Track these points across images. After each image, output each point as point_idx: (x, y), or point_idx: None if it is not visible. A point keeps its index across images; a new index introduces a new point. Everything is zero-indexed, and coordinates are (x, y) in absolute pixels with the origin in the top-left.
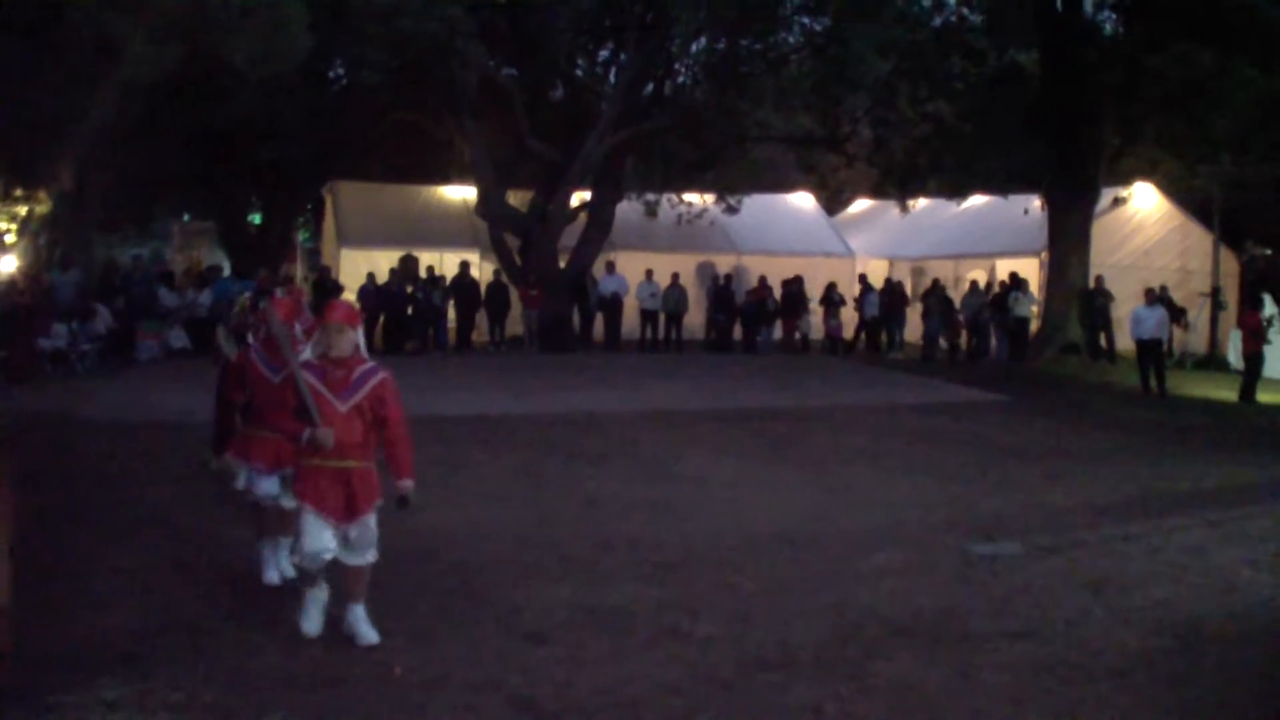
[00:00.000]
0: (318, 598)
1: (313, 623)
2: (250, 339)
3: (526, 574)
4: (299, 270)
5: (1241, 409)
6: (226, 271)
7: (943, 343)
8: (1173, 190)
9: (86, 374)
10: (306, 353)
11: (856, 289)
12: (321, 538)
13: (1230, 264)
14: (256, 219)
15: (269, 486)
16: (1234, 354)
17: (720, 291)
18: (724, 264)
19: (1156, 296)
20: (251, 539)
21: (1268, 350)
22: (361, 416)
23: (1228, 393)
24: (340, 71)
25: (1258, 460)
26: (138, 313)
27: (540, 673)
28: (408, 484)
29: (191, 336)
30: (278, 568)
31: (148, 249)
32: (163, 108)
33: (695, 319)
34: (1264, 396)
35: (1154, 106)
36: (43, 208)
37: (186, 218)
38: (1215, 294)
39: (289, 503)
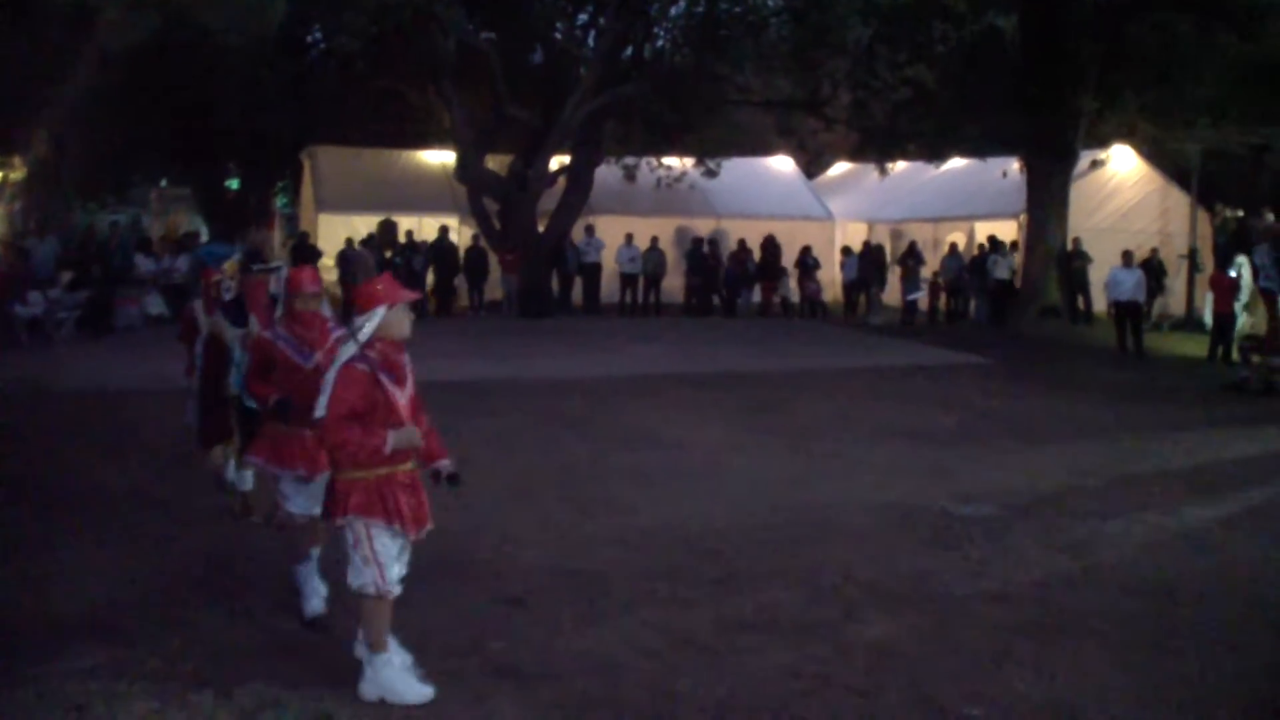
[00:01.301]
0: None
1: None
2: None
3: (506, 538)
4: (277, 236)
5: (1215, 368)
6: (205, 237)
7: (922, 305)
8: (1151, 154)
9: (64, 342)
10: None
11: (839, 256)
12: (404, 559)
13: (1207, 227)
14: (234, 184)
15: (304, 503)
16: (1209, 315)
17: (699, 255)
18: (703, 228)
19: (1135, 259)
20: (227, 511)
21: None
22: (414, 404)
23: (1202, 352)
24: (319, 37)
25: (1232, 419)
26: (115, 280)
27: (519, 637)
28: (449, 462)
29: (169, 303)
30: (320, 593)
31: (125, 215)
32: (140, 75)
33: (674, 283)
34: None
35: (1133, 73)
36: (18, 175)
37: (164, 183)
38: (1193, 256)
39: (316, 510)
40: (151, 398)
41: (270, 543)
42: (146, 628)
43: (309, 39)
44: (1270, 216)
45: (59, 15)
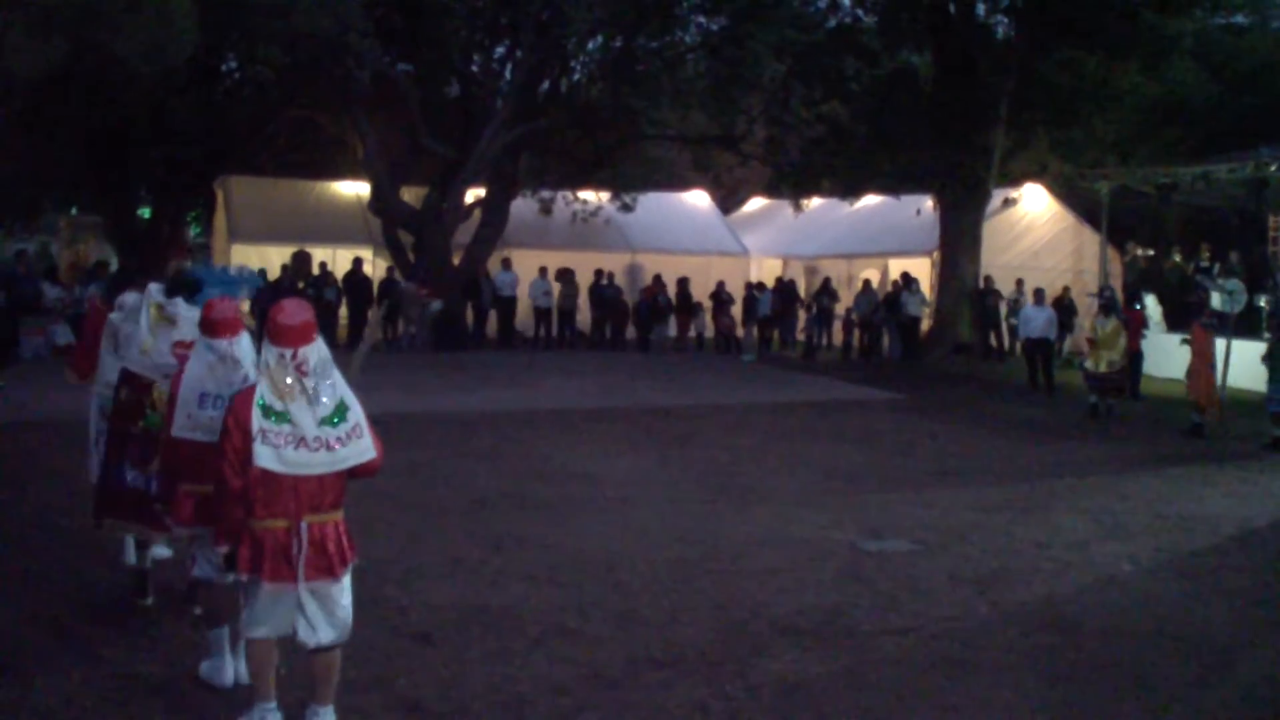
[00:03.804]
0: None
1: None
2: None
3: (414, 573)
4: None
5: (1125, 405)
6: (114, 266)
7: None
8: (1062, 192)
9: None
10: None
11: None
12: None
13: (1118, 265)
14: (146, 213)
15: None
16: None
17: (599, 289)
18: (619, 262)
19: (1047, 297)
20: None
21: (1145, 346)
22: None
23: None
24: (233, 66)
25: (1141, 455)
26: (21, 308)
27: (427, 673)
28: None
29: (76, 332)
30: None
31: (34, 243)
32: (48, 101)
33: (589, 317)
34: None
35: (1043, 111)
36: None
37: (74, 211)
38: (1102, 294)
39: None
40: (56, 429)
41: (174, 574)
42: (46, 662)
43: (223, 68)
44: (1177, 256)
45: None
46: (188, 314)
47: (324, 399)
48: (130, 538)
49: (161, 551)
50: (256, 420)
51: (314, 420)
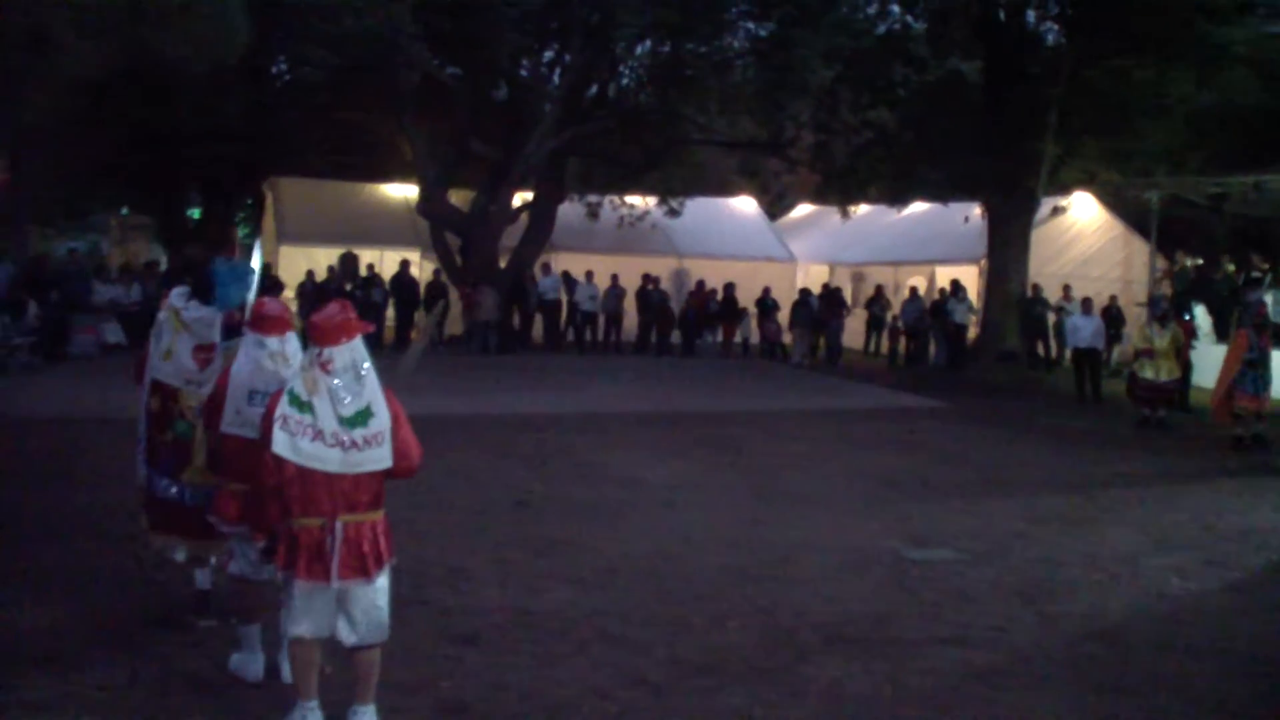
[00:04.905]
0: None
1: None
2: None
3: (459, 576)
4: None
5: (1173, 416)
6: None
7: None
8: (1111, 201)
9: (19, 369)
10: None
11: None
12: None
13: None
14: (195, 214)
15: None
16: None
17: (646, 294)
18: (665, 267)
19: (1095, 306)
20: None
21: (1194, 357)
22: None
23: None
24: (282, 67)
25: (1190, 467)
26: (72, 306)
27: (471, 675)
28: None
29: (126, 331)
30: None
31: (84, 243)
32: (101, 102)
33: (635, 321)
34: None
35: (1093, 119)
36: None
37: (124, 211)
38: (1159, 304)
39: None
40: (105, 426)
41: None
42: (95, 658)
43: (273, 69)
44: (1230, 266)
45: (17, 39)
46: (199, 316)
47: (346, 399)
48: (181, 551)
49: (181, 556)
50: (281, 407)
51: (334, 417)
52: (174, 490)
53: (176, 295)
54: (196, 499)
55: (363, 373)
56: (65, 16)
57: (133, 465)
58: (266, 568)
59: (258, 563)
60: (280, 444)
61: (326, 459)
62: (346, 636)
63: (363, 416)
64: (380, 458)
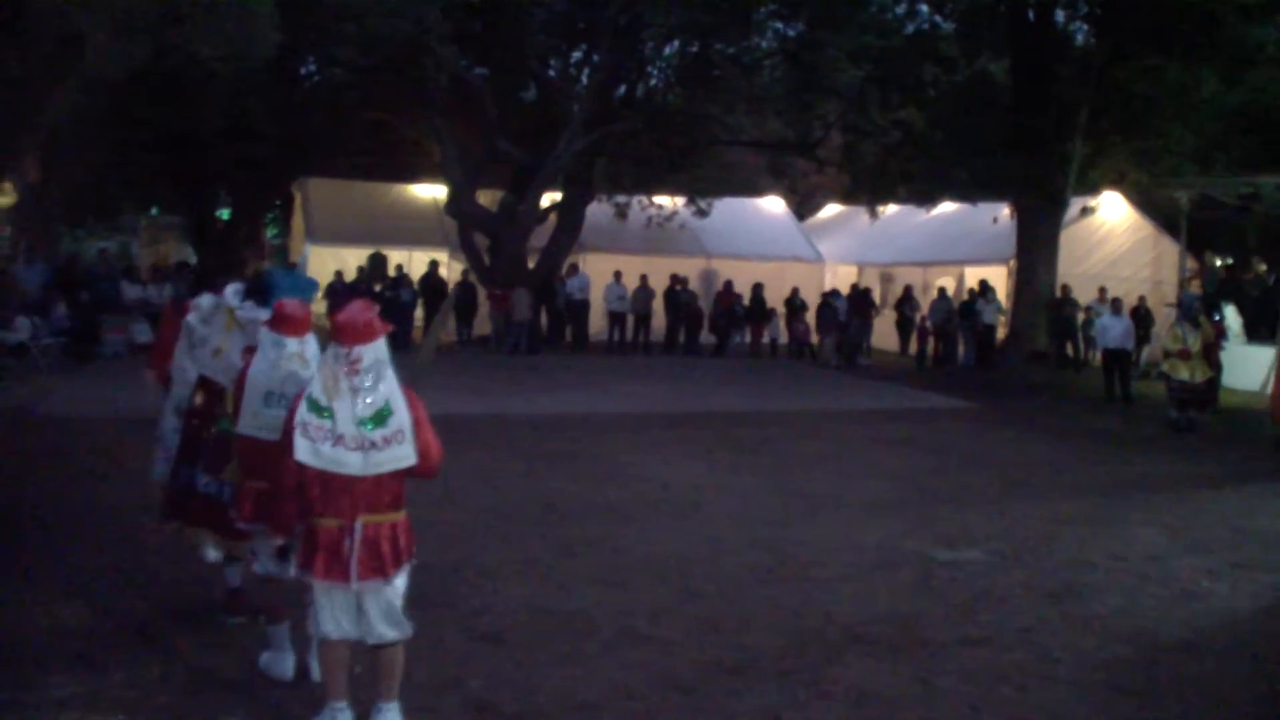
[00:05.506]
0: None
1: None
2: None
3: (486, 575)
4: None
5: (1203, 417)
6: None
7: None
8: (1141, 201)
9: (48, 368)
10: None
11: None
12: None
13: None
14: (225, 214)
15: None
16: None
17: (674, 294)
18: (693, 267)
19: (1124, 306)
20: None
21: (1223, 358)
22: None
23: None
24: (311, 68)
25: (1220, 469)
26: (101, 307)
27: (499, 675)
28: None
29: (156, 331)
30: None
31: (114, 243)
32: (131, 102)
33: (664, 322)
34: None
35: (1122, 119)
36: (6, 200)
37: (154, 212)
38: (1193, 305)
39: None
40: (135, 426)
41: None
42: (124, 657)
43: (302, 70)
44: (1261, 266)
45: (49, 40)
46: (254, 317)
47: (367, 399)
48: (211, 549)
49: (212, 554)
50: (300, 413)
51: (353, 419)
52: (214, 487)
53: (231, 293)
54: (234, 496)
55: (383, 371)
56: (95, 17)
57: (150, 463)
58: (288, 565)
59: (276, 559)
60: (303, 451)
61: (348, 463)
62: (367, 634)
63: (381, 415)
64: (403, 455)
